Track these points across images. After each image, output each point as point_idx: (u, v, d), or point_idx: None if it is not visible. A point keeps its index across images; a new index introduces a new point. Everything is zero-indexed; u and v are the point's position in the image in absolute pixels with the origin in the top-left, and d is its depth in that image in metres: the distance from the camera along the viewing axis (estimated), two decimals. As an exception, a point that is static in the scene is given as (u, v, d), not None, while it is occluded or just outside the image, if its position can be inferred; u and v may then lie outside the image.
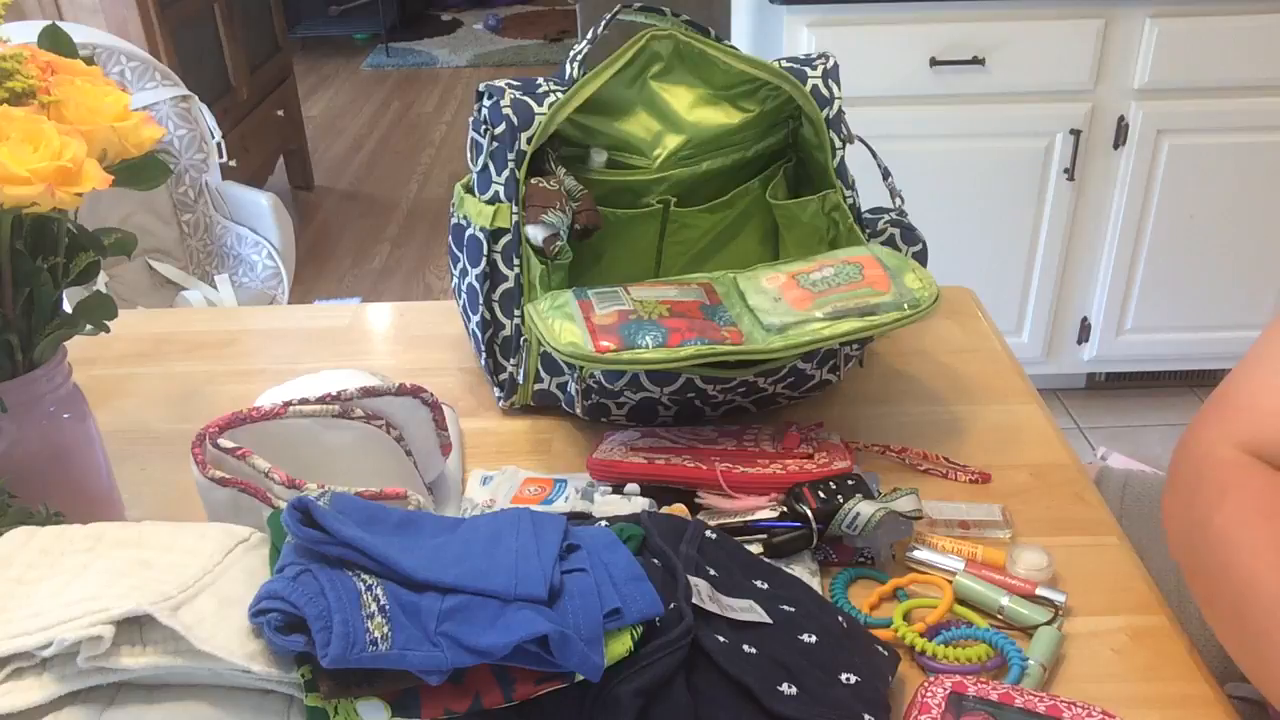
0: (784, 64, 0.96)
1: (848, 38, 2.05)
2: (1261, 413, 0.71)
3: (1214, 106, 2.14)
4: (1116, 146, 2.18)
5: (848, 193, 0.98)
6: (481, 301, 0.94)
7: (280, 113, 3.54)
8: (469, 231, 0.94)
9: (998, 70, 2.09)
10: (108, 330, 0.76)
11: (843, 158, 0.98)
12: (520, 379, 0.95)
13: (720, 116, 0.97)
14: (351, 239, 3.57)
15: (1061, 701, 0.62)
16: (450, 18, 6.24)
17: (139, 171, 0.74)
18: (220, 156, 2.17)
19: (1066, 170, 2.18)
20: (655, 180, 0.97)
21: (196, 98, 2.12)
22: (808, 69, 0.97)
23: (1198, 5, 2.04)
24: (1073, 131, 2.15)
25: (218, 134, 2.15)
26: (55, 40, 0.75)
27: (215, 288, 2.19)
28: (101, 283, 1.97)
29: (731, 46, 0.95)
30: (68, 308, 0.76)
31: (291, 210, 3.08)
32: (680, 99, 0.96)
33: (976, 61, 2.07)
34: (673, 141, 0.96)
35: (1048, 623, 0.72)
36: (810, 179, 1.02)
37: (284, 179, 3.84)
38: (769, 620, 0.65)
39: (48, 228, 0.72)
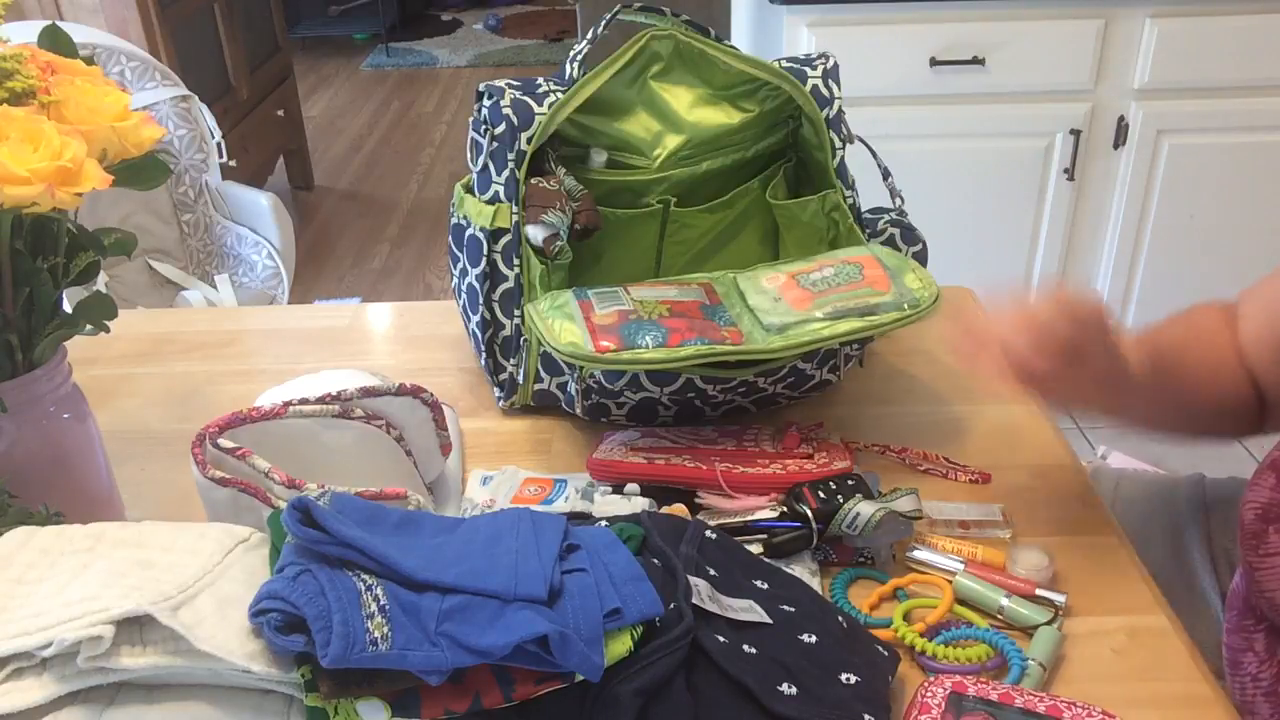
0: (784, 64, 0.96)
1: (848, 38, 2.05)
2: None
3: (1214, 106, 2.13)
4: (1116, 146, 2.18)
5: (848, 193, 0.98)
6: (481, 301, 0.94)
7: (280, 113, 3.54)
8: (469, 231, 0.94)
9: (998, 70, 2.09)
10: (108, 330, 0.76)
11: (843, 158, 0.98)
12: (520, 379, 0.95)
13: (720, 116, 0.97)
14: (351, 239, 3.57)
15: (1061, 701, 0.62)
16: (450, 18, 6.23)
17: (139, 171, 0.74)
18: (220, 156, 2.17)
19: (1066, 170, 2.18)
20: (655, 180, 0.97)
21: (196, 98, 2.12)
22: (808, 69, 0.97)
23: (1197, 5, 2.04)
24: (1073, 131, 2.15)
25: (218, 134, 2.15)
26: (55, 40, 0.75)
27: (215, 288, 2.19)
28: (101, 283, 1.97)
29: (731, 46, 0.95)
30: (68, 308, 0.76)
31: (291, 210, 3.08)
32: (680, 99, 0.96)
33: (976, 61, 2.07)
34: (673, 141, 0.96)
35: (1048, 623, 0.72)
36: (810, 179, 1.02)
37: (284, 179, 3.83)
38: (769, 620, 0.65)
39: (48, 228, 0.72)
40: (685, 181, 0.98)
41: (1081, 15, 2.05)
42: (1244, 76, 2.10)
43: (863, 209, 1.03)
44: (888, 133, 2.22)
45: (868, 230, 1.01)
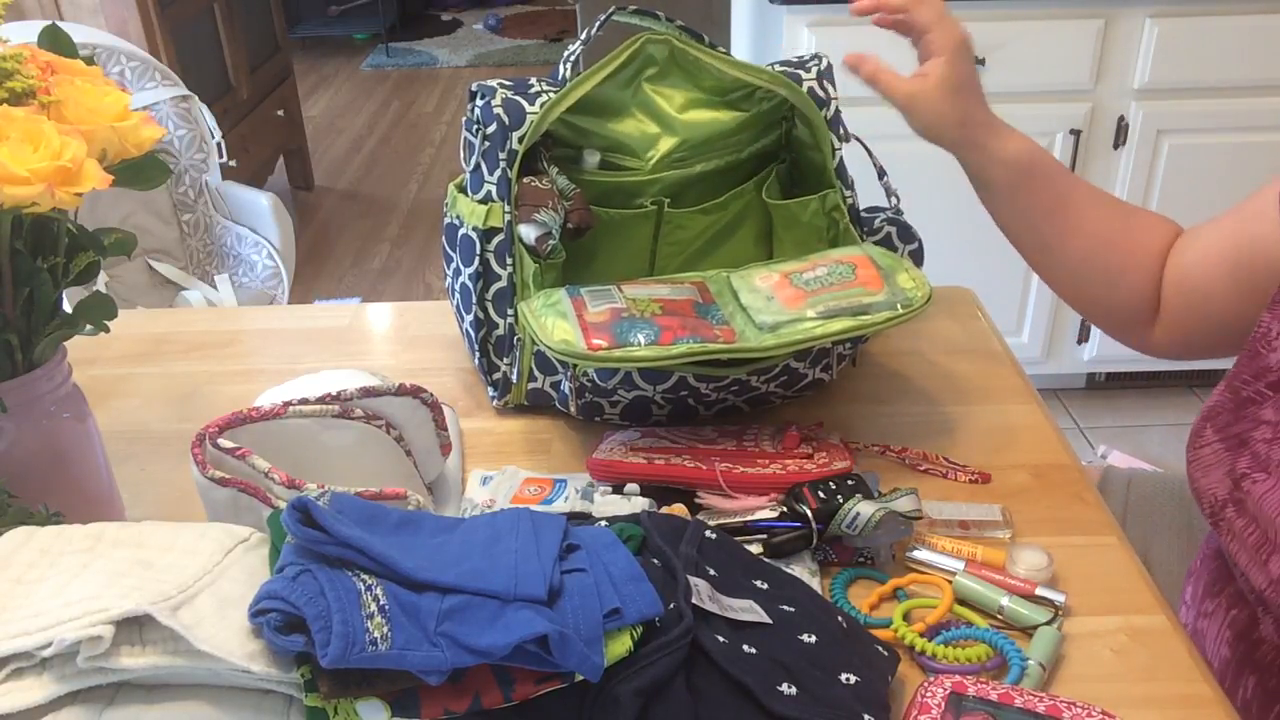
0: (779, 68, 0.96)
1: (848, 38, 2.04)
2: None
3: (1214, 106, 2.13)
4: (1116, 146, 2.18)
5: (847, 193, 0.99)
6: (475, 301, 0.94)
7: (280, 113, 3.54)
8: (462, 231, 0.94)
9: (998, 70, 2.09)
10: (108, 330, 0.76)
11: (842, 158, 0.98)
12: (514, 378, 0.95)
13: (714, 119, 0.97)
14: (351, 239, 3.57)
15: (1061, 701, 0.62)
16: (450, 18, 6.23)
17: (139, 171, 0.74)
18: (220, 156, 2.17)
19: (1066, 170, 2.18)
20: (648, 182, 0.97)
21: (196, 98, 2.12)
22: (802, 71, 0.97)
23: (1198, 5, 2.04)
24: (1073, 131, 2.15)
25: (218, 134, 2.15)
26: (55, 40, 0.75)
27: (215, 288, 2.19)
28: (101, 283, 1.97)
29: (725, 53, 0.95)
30: (68, 308, 0.76)
31: (291, 210, 3.07)
32: (674, 102, 0.96)
33: (977, 61, 2.07)
34: (666, 144, 0.96)
35: (1048, 623, 0.72)
36: (804, 179, 1.02)
37: (284, 179, 3.83)
38: (769, 620, 0.65)
39: (48, 228, 0.73)
40: (678, 183, 0.98)
41: (1081, 15, 2.05)
42: (1244, 76, 2.10)
43: (860, 208, 1.03)
44: (887, 133, 2.21)
45: (864, 229, 1.01)
